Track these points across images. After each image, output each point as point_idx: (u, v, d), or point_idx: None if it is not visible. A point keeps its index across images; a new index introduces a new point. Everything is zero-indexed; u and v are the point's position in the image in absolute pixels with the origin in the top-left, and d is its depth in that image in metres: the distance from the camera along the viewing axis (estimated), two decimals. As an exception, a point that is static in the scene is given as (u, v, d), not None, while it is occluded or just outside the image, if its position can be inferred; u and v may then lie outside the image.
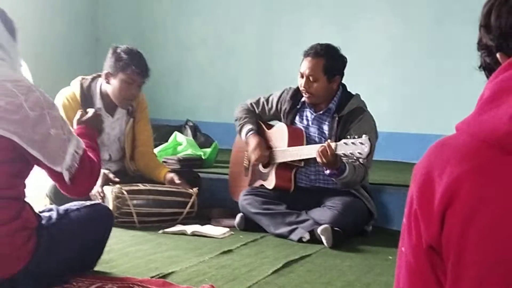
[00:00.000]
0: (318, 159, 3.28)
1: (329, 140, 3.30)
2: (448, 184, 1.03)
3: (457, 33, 5.24)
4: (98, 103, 3.72)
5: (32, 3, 5.63)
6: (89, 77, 3.78)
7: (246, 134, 3.77)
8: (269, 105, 3.83)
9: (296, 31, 5.86)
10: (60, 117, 2.25)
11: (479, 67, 1.20)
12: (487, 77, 1.17)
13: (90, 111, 2.72)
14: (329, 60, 3.54)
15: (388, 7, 5.58)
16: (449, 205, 1.03)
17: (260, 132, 3.79)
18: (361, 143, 3.11)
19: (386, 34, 5.58)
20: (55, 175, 2.25)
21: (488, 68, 1.18)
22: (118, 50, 3.67)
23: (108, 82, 3.69)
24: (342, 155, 3.19)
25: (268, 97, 3.86)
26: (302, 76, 3.59)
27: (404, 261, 1.13)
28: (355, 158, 3.15)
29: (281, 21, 5.95)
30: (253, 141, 3.72)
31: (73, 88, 3.72)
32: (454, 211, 1.03)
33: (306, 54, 3.59)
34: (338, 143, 3.22)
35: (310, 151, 3.41)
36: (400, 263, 1.15)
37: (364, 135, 3.13)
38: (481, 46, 1.18)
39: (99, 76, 3.78)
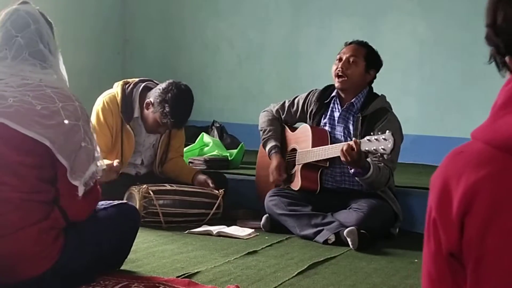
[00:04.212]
0: (342, 158, 3.28)
1: (354, 138, 3.30)
2: (465, 190, 1.04)
3: (484, 35, 5.19)
4: (136, 112, 3.71)
5: (62, 6, 5.70)
6: (132, 82, 3.76)
7: (270, 152, 3.80)
8: (295, 107, 3.84)
9: (323, 33, 5.85)
10: (92, 133, 2.25)
11: (489, 60, 1.15)
12: (498, 70, 1.14)
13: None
14: (371, 52, 3.66)
15: (415, 9, 5.55)
16: (467, 211, 1.04)
17: (282, 149, 3.81)
18: (385, 139, 3.11)
19: (413, 37, 5.54)
20: (68, 188, 2.21)
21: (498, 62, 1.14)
22: (169, 95, 3.59)
23: (146, 108, 3.67)
24: (366, 151, 3.19)
25: (293, 99, 3.87)
26: (340, 60, 3.62)
27: (424, 270, 1.14)
28: (379, 154, 3.15)
29: (307, 22, 5.94)
30: (274, 161, 3.75)
31: (115, 92, 3.70)
32: (472, 216, 1.03)
33: (349, 43, 3.69)
34: (361, 140, 3.22)
35: (334, 150, 3.42)
36: (423, 271, 1.17)
37: (387, 131, 3.13)
38: (489, 42, 1.13)
39: (142, 81, 3.77)
